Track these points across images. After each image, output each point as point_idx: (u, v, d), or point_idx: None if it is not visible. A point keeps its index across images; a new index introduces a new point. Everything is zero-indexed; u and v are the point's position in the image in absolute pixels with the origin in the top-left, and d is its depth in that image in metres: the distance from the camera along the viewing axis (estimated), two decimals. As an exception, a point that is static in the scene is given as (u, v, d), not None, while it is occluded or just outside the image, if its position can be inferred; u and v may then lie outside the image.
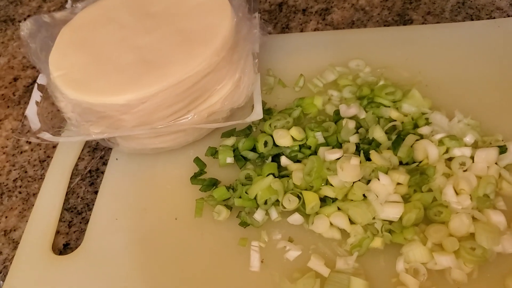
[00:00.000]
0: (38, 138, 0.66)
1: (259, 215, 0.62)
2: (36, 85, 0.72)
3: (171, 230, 0.64)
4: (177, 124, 0.65)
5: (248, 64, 0.70)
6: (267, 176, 0.63)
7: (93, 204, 0.69)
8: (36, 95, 0.71)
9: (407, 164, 0.63)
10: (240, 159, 0.68)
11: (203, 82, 0.65)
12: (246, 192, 0.63)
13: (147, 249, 0.63)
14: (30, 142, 0.79)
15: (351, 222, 0.59)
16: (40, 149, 0.79)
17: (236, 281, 0.58)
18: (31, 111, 0.69)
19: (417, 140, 0.63)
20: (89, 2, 0.79)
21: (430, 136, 0.64)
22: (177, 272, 0.60)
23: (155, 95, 0.63)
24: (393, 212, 0.58)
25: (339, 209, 0.60)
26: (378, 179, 0.59)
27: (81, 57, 0.69)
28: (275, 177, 0.63)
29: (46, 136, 0.66)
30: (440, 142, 0.63)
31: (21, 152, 0.79)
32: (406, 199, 0.60)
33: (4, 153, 0.79)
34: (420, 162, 0.63)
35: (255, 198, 0.62)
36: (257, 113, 0.66)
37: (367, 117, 0.67)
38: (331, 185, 0.61)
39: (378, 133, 0.64)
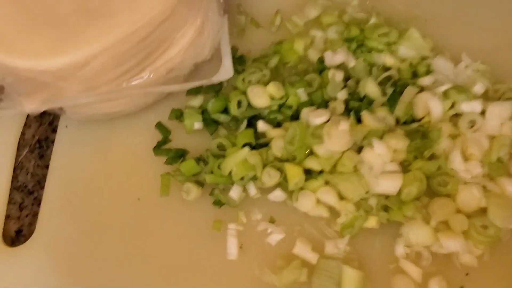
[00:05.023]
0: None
1: (235, 193, 0.53)
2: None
3: (133, 213, 0.55)
4: (129, 87, 0.54)
5: (211, 4, 0.57)
6: (242, 147, 0.53)
7: (45, 181, 0.60)
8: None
9: (405, 123, 0.53)
10: (210, 123, 0.58)
11: (157, 32, 0.53)
12: (218, 167, 0.53)
13: (106, 236, 0.55)
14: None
15: (341, 197, 0.51)
16: (-21, 115, 0.68)
17: (210, 271, 0.51)
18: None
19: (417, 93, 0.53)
20: None
21: (433, 88, 0.54)
22: (142, 261, 0.53)
23: (99, 54, 0.51)
24: (390, 185, 0.49)
25: (326, 183, 0.52)
26: (372, 147, 0.50)
27: (6, 5, 0.56)
28: (252, 148, 0.54)
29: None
30: (445, 95, 0.53)
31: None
32: (404, 166, 0.51)
33: None
34: (420, 119, 0.53)
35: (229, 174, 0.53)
36: (227, 70, 0.55)
37: (357, 65, 0.57)
38: (317, 155, 0.52)
39: (370, 88, 0.54)
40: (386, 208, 0.50)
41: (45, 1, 0.55)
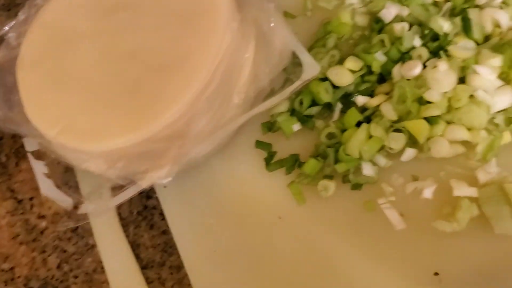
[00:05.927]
0: (84, 215, 0.53)
1: (368, 170, 0.54)
2: (29, 155, 0.56)
3: (283, 233, 0.55)
4: (240, 115, 0.54)
5: (264, 14, 0.57)
6: (357, 126, 0.54)
7: (171, 248, 0.58)
8: (38, 166, 0.56)
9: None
10: (305, 120, 0.58)
11: (231, 61, 0.54)
12: (346, 154, 0.54)
13: (268, 267, 0.54)
14: (44, 216, 0.64)
15: (469, 129, 0.53)
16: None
17: (389, 251, 0.52)
18: (47, 188, 0.55)
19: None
20: (20, 20, 0.61)
21: (490, 3, 0.57)
22: (319, 268, 0.53)
23: (192, 103, 0.51)
24: (506, 99, 0.53)
25: (449, 122, 0.54)
26: (475, 73, 0.53)
27: (71, 97, 0.54)
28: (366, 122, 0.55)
29: (93, 206, 0.53)
30: (504, 4, 0.57)
31: (42, 232, 0.64)
32: (503, 79, 0.54)
33: (21, 243, 0.64)
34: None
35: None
36: (311, 65, 0.55)
37: (413, 11, 0.59)
38: (428, 102, 0.54)
39: (442, 23, 0.56)
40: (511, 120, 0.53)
41: (103, 77, 0.54)
